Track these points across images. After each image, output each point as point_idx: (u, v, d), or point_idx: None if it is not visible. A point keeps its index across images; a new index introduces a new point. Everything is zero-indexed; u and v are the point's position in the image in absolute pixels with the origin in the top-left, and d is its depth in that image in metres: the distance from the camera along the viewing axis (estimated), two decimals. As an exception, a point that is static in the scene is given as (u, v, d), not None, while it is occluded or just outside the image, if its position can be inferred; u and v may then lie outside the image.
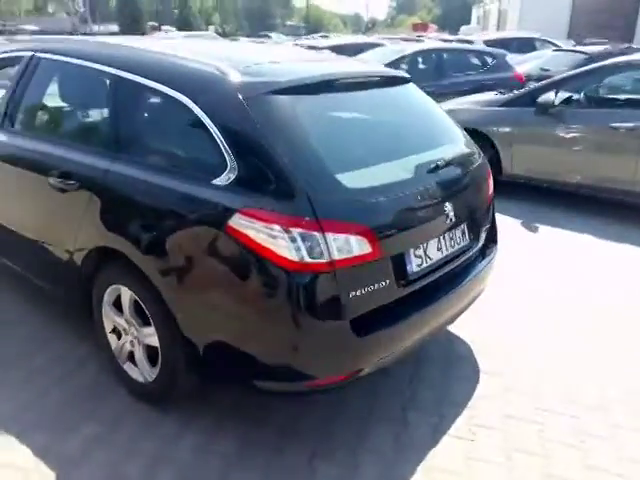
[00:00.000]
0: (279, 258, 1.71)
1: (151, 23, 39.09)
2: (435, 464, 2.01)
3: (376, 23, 74.93)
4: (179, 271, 1.89)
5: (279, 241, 1.70)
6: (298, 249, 1.70)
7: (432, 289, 2.12)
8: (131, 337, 2.20)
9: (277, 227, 1.70)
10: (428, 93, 2.68)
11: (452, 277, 2.24)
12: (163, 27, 37.46)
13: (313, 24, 68.00)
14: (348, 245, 1.77)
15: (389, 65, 6.14)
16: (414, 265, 2.02)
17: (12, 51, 2.90)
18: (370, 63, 3.61)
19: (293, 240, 1.70)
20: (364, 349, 1.90)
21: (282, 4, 76.00)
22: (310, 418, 2.24)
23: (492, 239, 2.64)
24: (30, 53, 2.65)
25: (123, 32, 36.56)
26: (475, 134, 3.95)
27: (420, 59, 7.96)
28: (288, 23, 71.70)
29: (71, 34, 27.90)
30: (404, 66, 7.34)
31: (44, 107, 2.73)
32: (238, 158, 1.81)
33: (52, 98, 2.79)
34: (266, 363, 1.85)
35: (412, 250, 2.02)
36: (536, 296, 3.31)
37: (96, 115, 2.45)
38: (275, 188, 1.76)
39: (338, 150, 2.04)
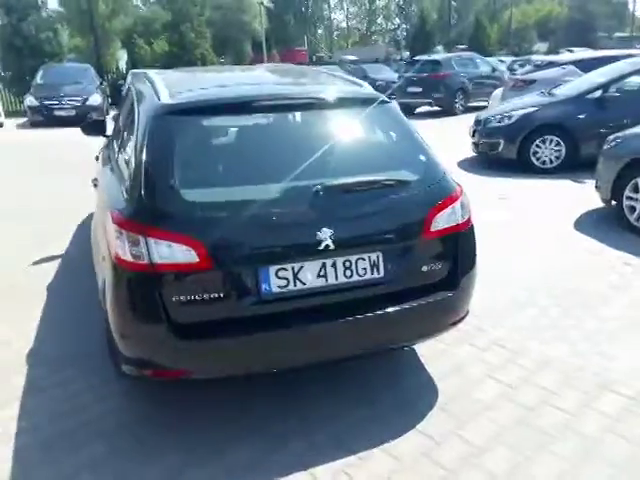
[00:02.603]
0: (114, 253, 2.06)
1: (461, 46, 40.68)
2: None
3: None
4: None
5: (115, 239, 2.06)
6: (123, 247, 2.01)
7: (307, 314, 2.14)
8: None
9: (115, 226, 2.07)
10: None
11: (344, 309, 2.18)
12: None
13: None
14: (171, 252, 1.98)
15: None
16: (274, 285, 2.09)
17: None
18: (329, 83, 2.92)
19: (121, 239, 2.02)
20: (188, 353, 2.08)
21: (611, 14, 68.68)
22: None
23: (446, 284, 2.38)
24: None
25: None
26: None
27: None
28: (617, 35, 64.54)
29: (376, 60, 31.61)
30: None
31: None
32: (132, 163, 2.24)
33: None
34: (119, 349, 2.16)
35: (272, 270, 2.08)
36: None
37: None
38: (132, 194, 2.13)
39: (200, 167, 2.26)
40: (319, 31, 64.82)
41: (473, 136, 7.81)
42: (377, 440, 2.31)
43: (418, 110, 15.58)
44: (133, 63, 27.92)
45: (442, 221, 2.35)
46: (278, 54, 37.79)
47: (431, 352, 2.97)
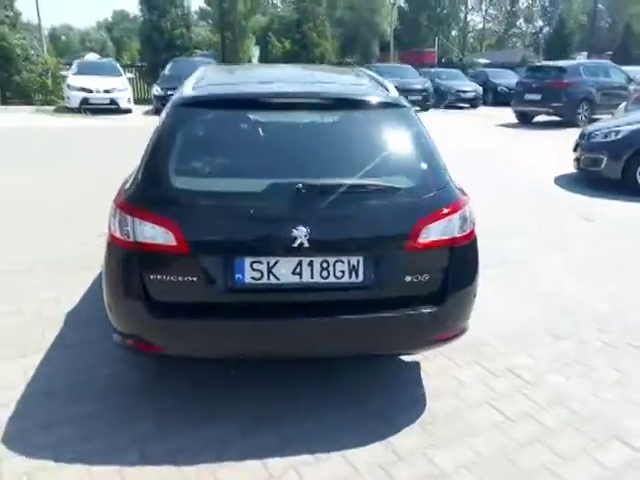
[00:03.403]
0: (110, 230, 2.25)
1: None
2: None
3: None
4: None
5: (112, 217, 2.25)
6: (115, 225, 2.20)
7: (278, 309, 2.19)
8: None
9: (113, 206, 2.27)
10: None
11: (317, 309, 2.20)
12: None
13: None
14: (153, 233, 2.12)
15: None
16: (248, 276, 2.15)
17: None
18: (351, 84, 2.99)
19: (115, 218, 2.22)
20: (161, 330, 2.21)
21: None
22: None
23: (432, 298, 2.29)
24: None
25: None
26: None
27: None
28: None
29: (510, 67, 30.12)
30: None
31: None
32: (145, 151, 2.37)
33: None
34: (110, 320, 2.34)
35: (247, 261, 2.14)
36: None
37: None
38: (134, 178, 2.30)
39: (197, 157, 2.35)
40: (453, 33, 63.28)
41: (575, 150, 7.23)
42: (341, 444, 2.29)
43: (536, 119, 14.71)
44: (264, 60, 29.43)
45: (434, 232, 2.26)
46: (404, 55, 37.44)
47: (435, 368, 2.87)
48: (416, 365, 2.89)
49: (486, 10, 62.81)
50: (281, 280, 2.18)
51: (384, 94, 2.66)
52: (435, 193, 2.33)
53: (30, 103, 17.06)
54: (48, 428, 2.37)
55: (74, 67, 16.36)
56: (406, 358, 2.93)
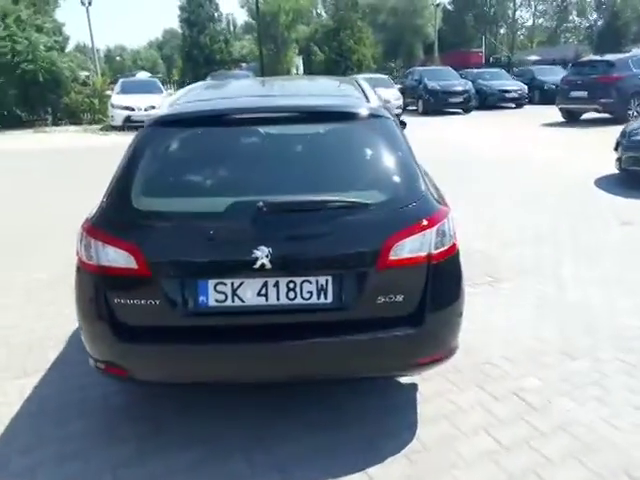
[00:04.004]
0: (78, 254, 2.23)
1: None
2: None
3: None
4: None
5: (79, 242, 2.22)
6: (81, 249, 2.20)
7: (244, 332, 2.13)
8: None
9: (80, 230, 2.24)
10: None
11: (284, 331, 2.12)
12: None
13: None
14: (113, 256, 2.11)
15: None
16: (212, 299, 2.09)
17: None
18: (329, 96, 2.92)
19: (81, 242, 2.21)
20: (126, 354, 2.19)
21: None
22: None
23: (409, 319, 2.15)
24: None
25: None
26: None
27: None
28: None
29: (563, 63, 28.96)
30: None
31: None
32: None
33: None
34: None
35: (211, 283, 2.09)
36: None
37: None
38: (101, 201, 2.29)
39: (162, 177, 2.33)
40: (501, 31, 61.77)
41: (616, 149, 6.81)
42: (314, 475, 2.19)
43: (584, 117, 14.05)
44: (307, 70, 29.78)
45: (407, 249, 2.12)
46: (448, 56, 36.83)
47: (433, 391, 2.71)
48: (413, 387, 2.74)
49: (535, 6, 60.96)
50: (246, 302, 2.11)
51: (361, 105, 2.51)
52: (408, 207, 2.19)
53: (79, 123, 17.89)
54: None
55: (117, 86, 17.02)
56: (403, 379, 2.79)
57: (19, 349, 3.31)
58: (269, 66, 29.64)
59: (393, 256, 2.11)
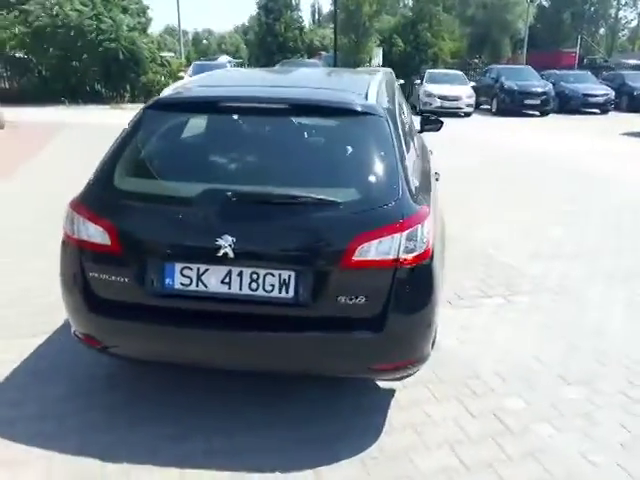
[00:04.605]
0: (63, 227, 2.33)
1: None
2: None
3: None
4: None
5: (66, 215, 2.32)
6: (65, 223, 2.30)
7: (205, 317, 2.17)
8: None
9: (67, 204, 2.33)
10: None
11: (244, 321, 2.15)
12: None
13: None
14: (92, 231, 2.21)
15: None
16: (177, 282, 2.15)
17: None
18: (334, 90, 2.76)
19: (67, 215, 2.31)
20: (97, 325, 2.30)
21: None
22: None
23: (369, 323, 2.12)
24: None
25: None
26: None
27: None
28: None
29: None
30: None
31: None
32: None
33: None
34: None
35: (178, 266, 2.14)
36: None
37: None
38: (90, 177, 2.37)
39: (147, 159, 2.40)
40: (600, 31, 58.24)
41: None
42: (264, 466, 2.20)
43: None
44: (386, 61, 29.50)
45: (373, 251, 2.09)
46: (535, 55, 35.18)
47: (410, 399, 2.66)
48: (390, 392, 2.70)
49: (641, 6, 56.86)
50: (209, 288, 2.15)
51: (353, 101, 2.47)
52: (381, 208, 2.15)
53: (154, 101, 18.67)
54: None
55: (190, 69, 17.64)
56: (382, 384, 2.75)
57: (33, 310, 3.55)
58: (349, 56, 29.57)
59: (358, 257, 2.08)
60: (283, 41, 20.28)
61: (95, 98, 18.47)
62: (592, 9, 54.38)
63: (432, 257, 2.21)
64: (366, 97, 2.54)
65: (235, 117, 2.47)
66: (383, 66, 25.56)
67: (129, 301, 2.26)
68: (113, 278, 2.23)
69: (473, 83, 18.02)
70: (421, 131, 4.71)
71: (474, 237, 5.07)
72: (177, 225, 2.18)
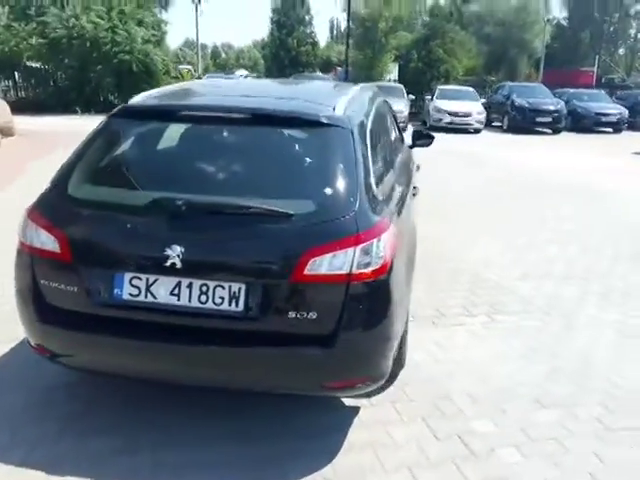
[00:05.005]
0: (19, 234, 2.29)
1: None
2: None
3: None
4: None
5: (22, 222, 2.28)
6: (20, 230, 2.27)
7: (153, 329, 2.11)
8: None
9: (24, 211, 2.30)
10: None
11: (193, 334, 2.10)
12: None
13: None
14: (44, 239, 2.17)
15: None
16: (126, 292, 2.10)
17: None
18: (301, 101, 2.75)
19: (22, 222, 2.27)
20: (46, 334, 2.25)
21: None
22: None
23: (319, 339, 2.04)
24: None
25: None
26: None
27: None
28: None
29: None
30: None
31: None
32: None
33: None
34: None
35: (127, 276, 2.09)
36: None
37: None
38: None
39: (104, 166, 2.39)
40: (620, 51, 57.93)
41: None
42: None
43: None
44: (401, 77, 29.61)
45: (325, 265, 2.01)
46: (552, 74, 35.07)
47: (374, 418, 2.58)
48: (353, 411, 2.62)
49: (663, 26, 56.44)
50: (158, 300, 2.10)
51: (317, 112, 2.40)
52: (335, 222, 2.07)
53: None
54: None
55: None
56: (347, 401, 2.67)
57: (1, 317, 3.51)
58: (363, 71, 29.70)
59: (309, 271, 2.01)
60: (295, 55, 20.49)
61: (108, 108, 18.57)
62: (611, 29, 54.15)
63: (390, 272, 2.13)
64: (334, 109, 2.48)
65: (197, 126, 2.46)
66: (398, 82, 25.64)
67: (78, 311, 2.20)
68: (63, 287, 2.18)
69: (484, 100, 17.96)
70: (412, 146, 4.66)
71: (467, 255, 4.98)
72: (127, 234, 2.14)
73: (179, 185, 2.27)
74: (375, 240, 2.08)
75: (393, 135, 3.84)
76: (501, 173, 9.67)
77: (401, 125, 17.82)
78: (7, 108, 11.50)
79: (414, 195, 3.37)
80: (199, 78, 20.89)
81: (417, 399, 2.73)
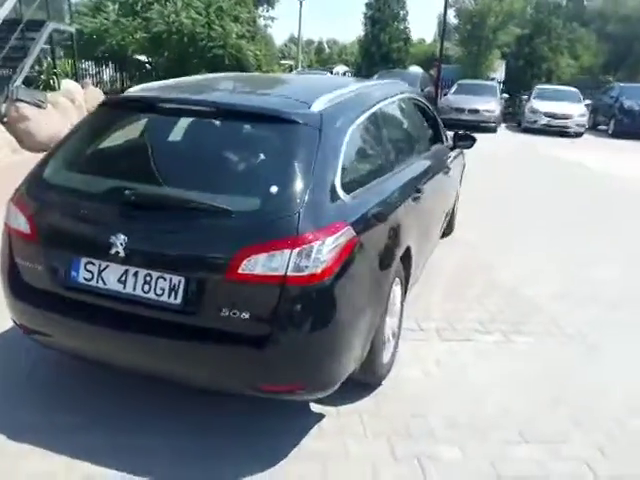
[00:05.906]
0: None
1: None
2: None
3: None
4: None
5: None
6: (6, 211, 2.43)
7: (100, 314, 2.19)
8: None
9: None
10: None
11: (134, 322, 2.15)
12: None
13: None
14: (20, 220, 2.34)
15: None
16: (81, 276, 2.21)
17: None
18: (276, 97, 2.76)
19: (7, 204, 2.44)
20: (20, 311, 2.39)
21: None
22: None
23: (254, 339, 2.03)
24: None
25: None
26: None
27: None
28: None
29: None
30: None
31: None
32: None
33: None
34: None
35: (83, 261, 2.20)
36: None
37: None
38: None
39: (83, 153, 2.51)
40: None
41: None
42: (149, 470, 2.19)
43: None
44: (508, 75, 28.40)
45: (259, 265, 2.00)
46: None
47: (336, 428, 2.51)
48: (317, 417, 2.56)
49: None
50: (107, 286, 2.20)
51: (283, 109, 2.37)
52: (276, 221, 2.05)
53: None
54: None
55: (292, 77, 18.19)
56: (314, 407, 2.62)
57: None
58: (467, 68, 28.77)
59: (243, 270, 2.00)
60: (387, 52, 20.31)
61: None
62: None
63: (336, 278, 2.06)
64: (310, 107, 2.42)
65: (163, 118, 2.60)
66: (505, 80, 24.50)
67: (45, 290, 2.34)
68: (32, 266, 2.34)
69: (589, 101, 16.68)
70: (454, 147, 4.50)
71: (505, 267, 4.67)
72: (83, 220, 2.27)
73: (135, 175, 2.36)
74: (317, 243, 2.01)
75: (415, 135, 3.69)
76: (586, 181, 8.95)
77: (492, 125, 16.73)
78: (101, 96, 12.51)
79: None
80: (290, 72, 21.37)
81: (389, 415, 2.61)
